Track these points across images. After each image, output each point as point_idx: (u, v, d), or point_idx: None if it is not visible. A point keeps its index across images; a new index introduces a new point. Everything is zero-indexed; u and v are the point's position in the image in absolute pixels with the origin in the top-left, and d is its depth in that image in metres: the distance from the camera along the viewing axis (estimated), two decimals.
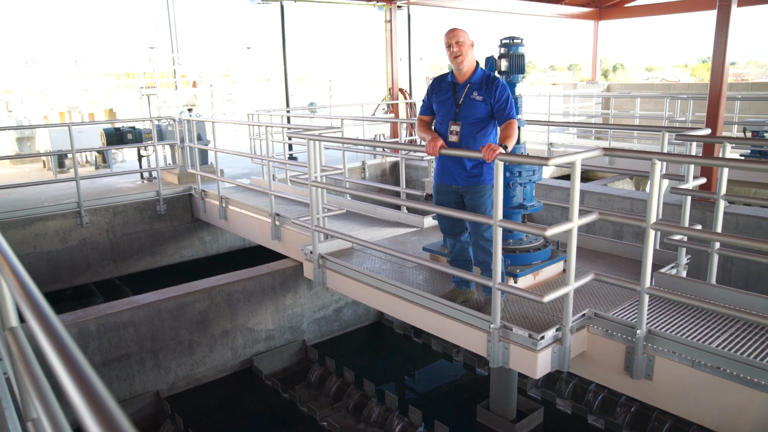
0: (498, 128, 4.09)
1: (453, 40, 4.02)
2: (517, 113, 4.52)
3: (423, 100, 4.42)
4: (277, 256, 7.33)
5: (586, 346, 3.93)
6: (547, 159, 3.52)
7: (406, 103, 13.64)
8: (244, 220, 7.89)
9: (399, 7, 13.17)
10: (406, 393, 7.00)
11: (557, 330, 3.75)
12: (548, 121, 10.37)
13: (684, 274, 4.67)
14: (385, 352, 7.79)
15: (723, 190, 4.18)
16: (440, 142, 4.02)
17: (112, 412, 0.89)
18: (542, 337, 3.66)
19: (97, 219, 8.26)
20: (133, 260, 8.66)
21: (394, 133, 13.03)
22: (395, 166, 11.48)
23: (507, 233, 4.58)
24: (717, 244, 4.31)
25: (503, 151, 3.65)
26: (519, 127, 4.40)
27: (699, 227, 4.51)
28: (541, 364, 3.70)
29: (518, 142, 4.53)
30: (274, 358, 7.02)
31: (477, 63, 4.15)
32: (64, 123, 11.73)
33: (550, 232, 3.40)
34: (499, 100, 3.98)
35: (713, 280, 4.34)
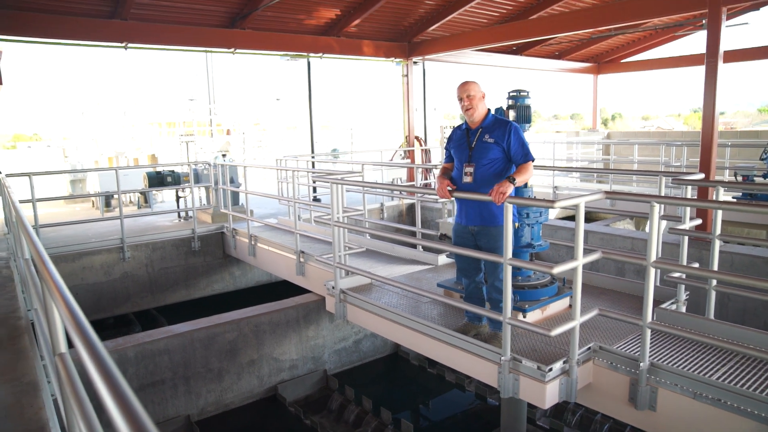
0: (513, 169, 4.02)
1: (464, 94, 4.03)
2: None
3: (445, 148, 4.43)
4: (301, 291, 7.33)
5: (591, 378, 3.84)
6: (553, 202, 3.52)
7: (422, 150, 13.75)
8: (271, 256, 7.92)
9: (415, 62, 13.42)
10: (421, 421, 6.86)
11: (564, 362, 3.68)
12: (553, 166, 10.37)
13: (683, 309, 4.58)
14: (401, 382, 7.67)
15: (718, 231, 4.13)
16: (445, 182, 4.03)
17: None
18: (550, 369, 3.59)
19: (137, 254, 8.36)
20: (169, 292, 8.71)
21: (411, 177, 13.11)
22: (411, 207, 11.51)
23: (516, 271, 4.54)
24: (714, 281, 4.23)
25: (512, 193, 3.64)
26: None
27: (696, 265, 4.44)
28: (549, 394, 3.62)
29: (525, 185, 4.52)
30: (297, 387, 6.95)
31: (489, 110, 4.15)
32: (111, 167, 12.00)
33: (557, 270, 3.37)
34: (513, 144, 3.93)
35: (711, 315, 4.25)
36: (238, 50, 10.73)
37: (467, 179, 4.05)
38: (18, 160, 15.70)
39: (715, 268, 4.18)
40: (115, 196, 8.60)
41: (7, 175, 7.23)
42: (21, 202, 5.21)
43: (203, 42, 10.34)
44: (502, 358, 3.77)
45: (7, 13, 8.27)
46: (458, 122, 4.39)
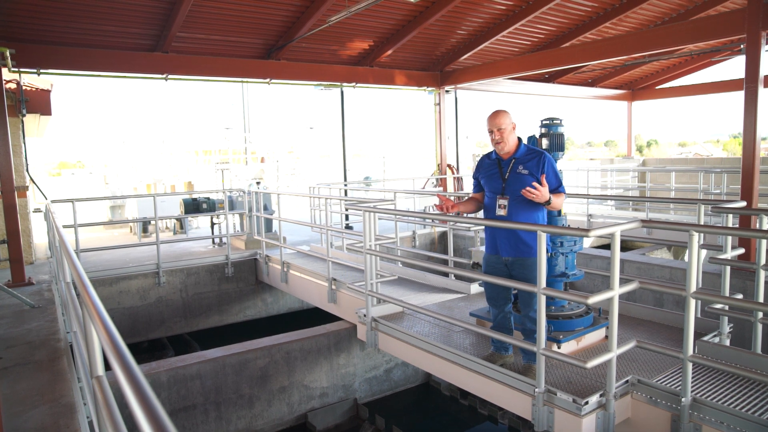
0: None
1: (495, 127, 4.01)
2: None
3: (473, 177, 4.41)
4: (332, 318, 7.33)
5: (630, 413, 3.72)
6: (588, 230, 3.46)
7: (454, 178, 13.75)
8: (303, 283, 7.97)
9: (447, 91, 13.53)
10: None
11: (601, 396, 3.57)
12: (587, 194, 10.23)
13: (727, 342, 4.41)
14: (432, 413, 7.54)
15: (762, 260, 3.99)
16: (449, 204, 4.05)
17: None
18: (586, 403, 3.49)
19: (172, 279, 8.51)
20: (202, 318, 8.82)
21: None
22: (444, 235, 11.47)
23: (550, 300, 4.46)
24: (760, 313, 4.07)
25: (542, 220, 3.62)
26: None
27: (740, 296, 4.28)
28: (585, 428, 3.51)
29: (559, 213, 4.48)
30: (327, 415, 6.90)
31: (519, 139, 4.14)
32: (149, 194, 12.34)
33: (593, 300, 3.29)
34: (548, 175, 3.91)
35: (758, 349, 4.08)
36: (273, 80, 11.01)
37: (501, 212, 4.02)
38: (62, 186, 16.31)
39: (761, 299, 4.03)
40: (152, 222, 8.82)
41: (52, 201, 7.50)
42: (64, 227, 5.38)
43: (240, 73, 10.65)
44: (537, 389, 3.69)
45: (58, 49, 8.71)
46: (489, 149, 4.37)
